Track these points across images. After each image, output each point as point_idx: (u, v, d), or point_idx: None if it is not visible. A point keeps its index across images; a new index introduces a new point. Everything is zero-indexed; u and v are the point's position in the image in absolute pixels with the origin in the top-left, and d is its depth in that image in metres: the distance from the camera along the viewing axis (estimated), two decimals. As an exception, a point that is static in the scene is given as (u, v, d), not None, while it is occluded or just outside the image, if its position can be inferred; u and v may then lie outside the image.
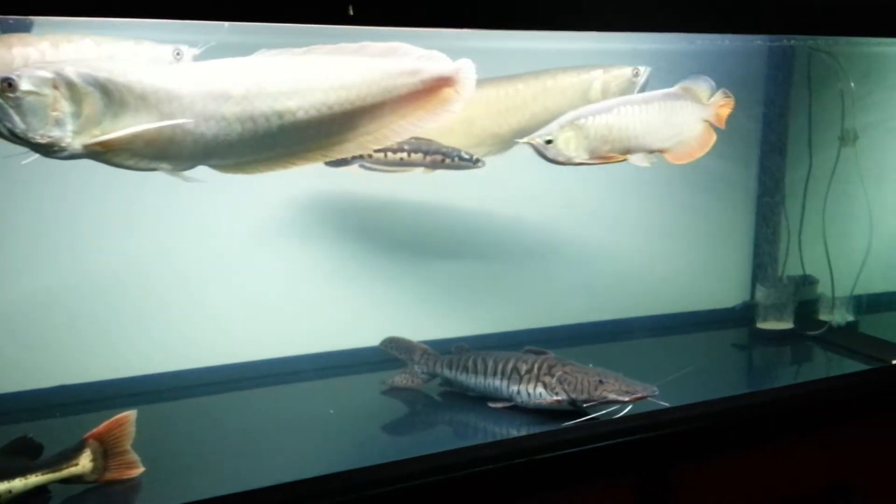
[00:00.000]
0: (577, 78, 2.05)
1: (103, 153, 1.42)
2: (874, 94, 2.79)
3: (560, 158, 1.91)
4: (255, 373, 2.24)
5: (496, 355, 2.06)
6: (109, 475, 1.62)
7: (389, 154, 1.92)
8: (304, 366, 2.29)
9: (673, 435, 1.94)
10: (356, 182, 2.16)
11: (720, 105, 2.02)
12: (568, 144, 1.90)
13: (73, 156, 1.40)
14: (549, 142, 1.90)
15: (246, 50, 1.56)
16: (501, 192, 2.41)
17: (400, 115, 1.65)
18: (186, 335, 2.18)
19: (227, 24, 1.55)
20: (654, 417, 1.92)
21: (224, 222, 2.20)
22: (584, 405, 1.92)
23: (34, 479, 1.54)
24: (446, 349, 2.17)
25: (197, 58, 1.62)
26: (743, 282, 2.90)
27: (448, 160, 1.97)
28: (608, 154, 1.93)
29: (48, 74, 1.36)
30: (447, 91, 1.65)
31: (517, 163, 2.04)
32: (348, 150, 1.66)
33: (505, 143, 2.05)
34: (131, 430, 1.64)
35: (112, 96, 1.40)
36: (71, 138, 1.38)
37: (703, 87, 2.01)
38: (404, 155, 1.93)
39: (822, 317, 2.77)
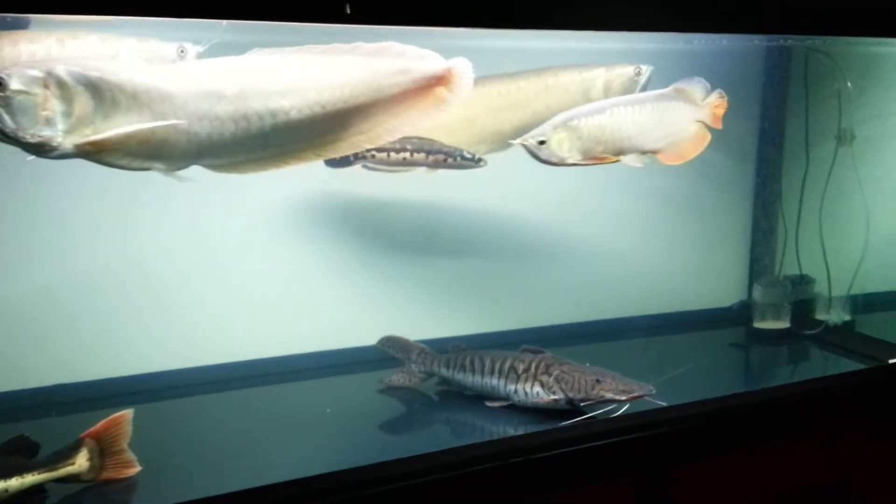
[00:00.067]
0: (580, 76, 2.05)
1: (95, 153, 1.42)
2: (871, 95, 2.79)
3: (553, 159, 1.92)
4: (251, 372, 2.24)
5: (493, 354, 2.06)
6: (106, 474, 1.62)
7: (392, 154, 1.92)
8: (301, 365, 2.30)
9: (670, 434, 1.95)
10: (354, 181, 2.16)
11: (714, 105, 2.02)
12: (561, 145, 1.90)
13: (65, 155, 1.40)
14: (542, 143, 1.90)
15: (244, 49, 1.56)
16: (500, 190, 2.42)
17: (392, 114, 1.65)
18: (184, 334, 2.18)
19: (224, 22, 1.55)
20: (651, 416, 1.92)
21: (223, 221, 2.20)
22: (582, 404, 1.92)
23: (31, 479, 1.54)
24: (443, 348, 2.17)
25: (201, 55, 1.62)
26: (740, 281, 2.90)
27: (450, 160, 1.97)
28: (601, 155, 1.94)
29: (38, 73, 1.35)
30: (440, 90, 1.65)
31: (515, 161, 2.04)
32: (341, 149, 1.66)
33: (507, 140, 2.05)
34: (128, 429, 1.64)
35: (103, 95, 1.39)
36: (62, 138, 1.38)
37: (696, 88, 2.01)
38: (407, 155, 1.93)
39: (819, 316, 2.77)
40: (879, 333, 2.67)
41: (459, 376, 2.09)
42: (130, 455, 1.64)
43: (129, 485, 1.63)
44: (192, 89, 1.46)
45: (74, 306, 2.08)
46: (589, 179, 2.49)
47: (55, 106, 1.36)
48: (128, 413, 1.64)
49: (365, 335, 2.28)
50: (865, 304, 2.80)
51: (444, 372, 2.13)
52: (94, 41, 1.55)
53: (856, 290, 2.78)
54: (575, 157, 1.92)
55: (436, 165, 1.97)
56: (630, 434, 1.90)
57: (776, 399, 2.15)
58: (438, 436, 2.01)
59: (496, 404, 2.01)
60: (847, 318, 2.76)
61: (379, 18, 1.62)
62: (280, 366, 2.28)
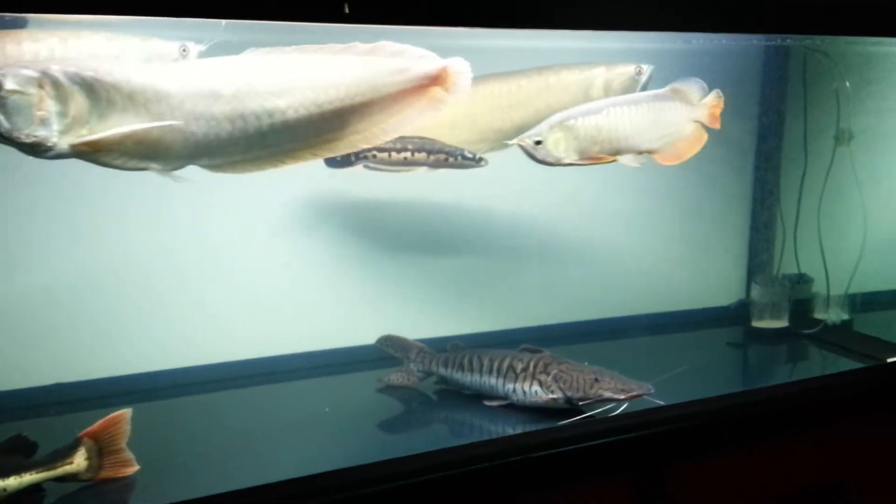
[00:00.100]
0: (580, 75, 2.05)
1: (91, 153, 1.41)
2: (870, 94, 2.79)
3: (549, 159, 1.92)
4: (251, 371, 2.24)
5: (492, 353, 2.06)
6: (104, 473, 1.62)
7: (393, 154, 1.92)
8: (300, 364, 2.30)
9: (668, 433, 1.95)
10: (353, 181, 2.16)
11: (712, 105, 2.02)
12: (557, 145, 1.90)
13: (60, 156, 1.39)
14: (538, 143, 1.90)
15: (244, 48, 1.56)
16: (500, 189, 2.42)
17: (389, 113, 1.64)
18: (184, 334, 2.19)
19: (223, 22, 1.55)
20: (650, 416, 1.92)
21: (223, 221, 2.20)
22: (580, 403, 1.92)
23: (29, 478, 1.54)
24: (442, 347, 2.17)
25: (202, 54, 1.62)
26: (738, 280, 2.91)
27: (451, 159, 1.97)
28: (597, 155, 1.93)
29: (33, 73, 1.35)
30: (435, 90, 1.65)
31: (515, 161, 2.04)
32: (338, 148, 1.66)
33: (508, 139, 2.05)
34: (126, 428, 1.64)
35: (99, 96, 1.39)
36: (57, 138, 1.37)
37: (693, 88, 2.01)
38: (408, 154, 1.93)
39: (818, 315, 2.78)
40: (878, 332, 2.67)
41: (458, 375, 2.09)
42: (129, 454, 1.64)
43: (127, 484, 1.63)
44: (188, 89, 1.46)
45: (74, 306, 2.08)
46: (588, 179, 2.49)
47: (50, 106, 1.35)
48: (126, 412, 1.64)
49: (364, 334, 2.28)
50: (864, 303, 2.80)
51: (442, 371, 2.13)
52: (99, 40, 1.55)
53: (854, 290, 2.78)
54: (571, 157, 1.92)
55: (437, 165, 1.97)
56: (628, 433, 1.90)
57: (774, 398, 2.15)
58: (437, 435, 2.01)
59: (495, 403, 2.01)
60: (845, 317, 2.76)
61: (377, 18, 1.62)
62: (279, 365, 2.28)
